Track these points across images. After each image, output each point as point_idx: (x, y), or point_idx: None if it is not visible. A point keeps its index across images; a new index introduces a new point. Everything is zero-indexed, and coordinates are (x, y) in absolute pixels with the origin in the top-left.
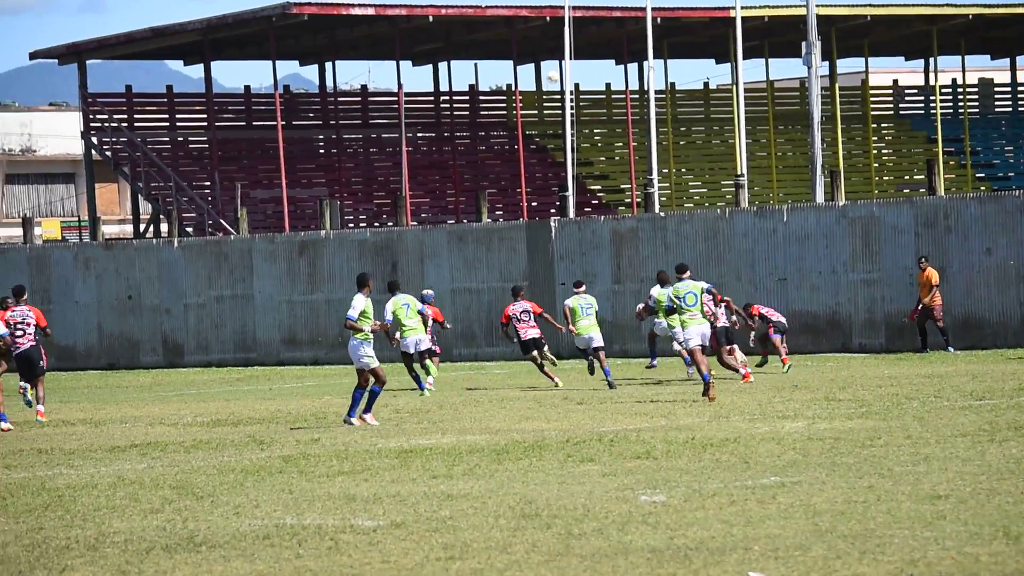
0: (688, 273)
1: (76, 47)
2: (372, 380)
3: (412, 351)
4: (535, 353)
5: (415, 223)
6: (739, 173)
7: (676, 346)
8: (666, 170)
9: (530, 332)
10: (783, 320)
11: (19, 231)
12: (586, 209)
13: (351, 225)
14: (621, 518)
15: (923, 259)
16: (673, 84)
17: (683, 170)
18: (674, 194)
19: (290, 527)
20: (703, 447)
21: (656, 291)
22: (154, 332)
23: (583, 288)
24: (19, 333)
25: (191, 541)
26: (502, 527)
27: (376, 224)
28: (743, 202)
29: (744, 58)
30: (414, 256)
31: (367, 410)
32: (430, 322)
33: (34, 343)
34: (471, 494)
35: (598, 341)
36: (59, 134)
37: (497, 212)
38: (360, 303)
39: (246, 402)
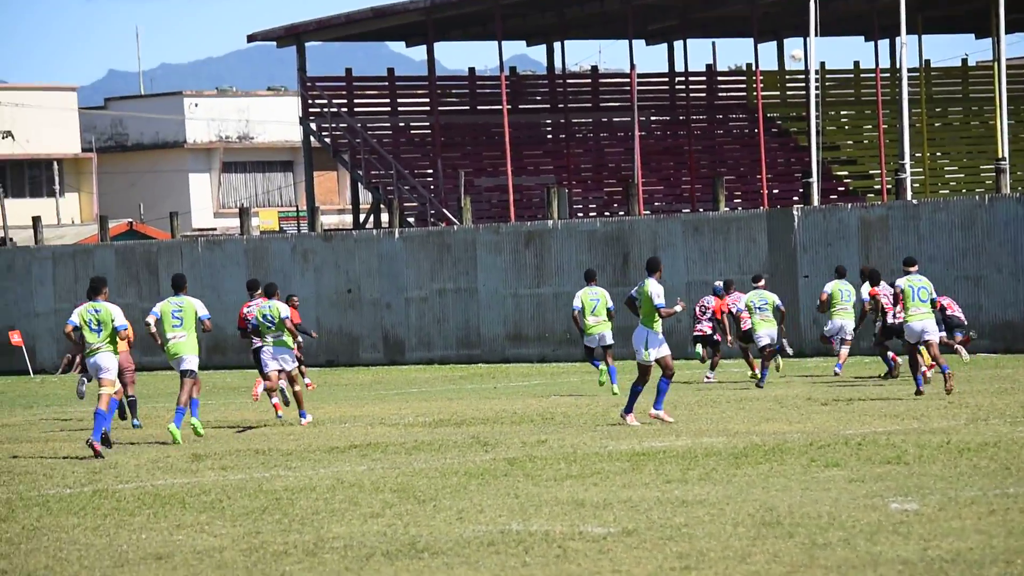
0: (916, 267)
1: (295, 29)
2: (661, 372)
3: (595, 345)
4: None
5: (648, 212)
6: (1000, 156)
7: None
8: (919, 154)
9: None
10: (959, 315)
11: (236, 222)
12: (832, 196)
13: (580, 214)
14: (869, 527)
15: None
16: (928, 61)
17: (938, 153)
18: (928, 179)
19: (516, 533)
20: (959, 452)
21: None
22: (374, 328)
23: (761, 282)
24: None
25: (413, 547)
26: (740, 536)
27: (606, 213)
28: (1004, 187)
29: (1006, 32)
30: (647, 247)
31: (656, 405)
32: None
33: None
34: (707, 500)
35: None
36: (277, 120)
37: (735, 200)
38: (660, 289)
39: (470, 401)
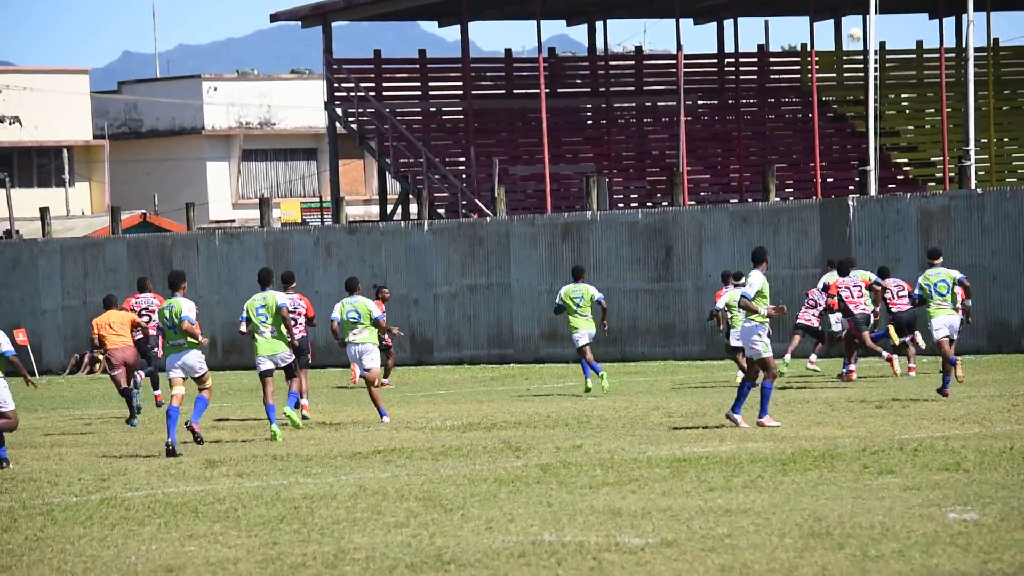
0: (940, 259)
1: (321, 8)
2: (762, 374)
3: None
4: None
5: (693, 202)
6: None
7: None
8: (985, 139)
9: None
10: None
11: (256, 213)
12: (890, 185)
13: (621, 205)
14: (926, 538)
15: None
16: (996, 40)
17: (1006, 139)
18: (994, 167)
19: (548, 544)
20: (1023, 458)
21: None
22: (401, 325)
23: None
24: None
25: (439, 559)
26: (787, 547)
27: (649, 204)
28: None
29: None
30: (691, 240)
31: (762, 412)
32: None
33: (304, 334)
34: (752, 509)
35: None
36: (301, 105)
37: (787, 190)
38: (758, 281)
39: (501, 404)
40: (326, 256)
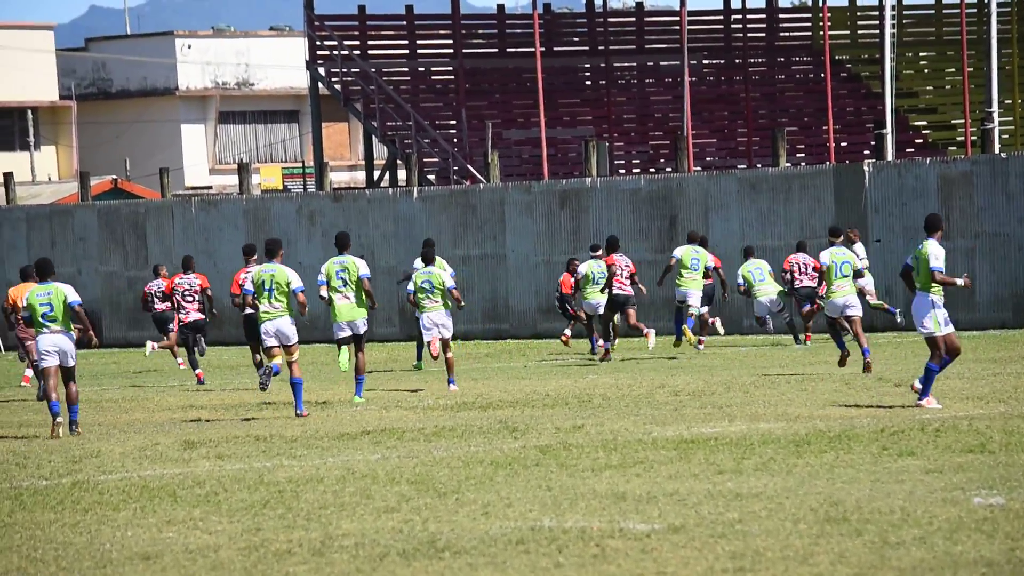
0: (841, 239)
1: None
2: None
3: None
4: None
5: (699, 168)
6: None
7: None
8: (1009, 101)
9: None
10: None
11: (234, 179)
12: (908, 150)
13: (622, 171)
14: (948, 524)
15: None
16: None
17: None
18: (1019, 130)
19: (548, 530)
20: None
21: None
22: (390, 299)
23: (599, 252)
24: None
25: (432, 546)
26: (802, 533)
27: (652, 170)
28: None
29: None
30: (697, 208)
31: (923, 394)
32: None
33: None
34: (764, 493)
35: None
36: (281, 64)
37: (798, 155)
38: (941, 252)
39: (496, 382)
40: (309, 225)
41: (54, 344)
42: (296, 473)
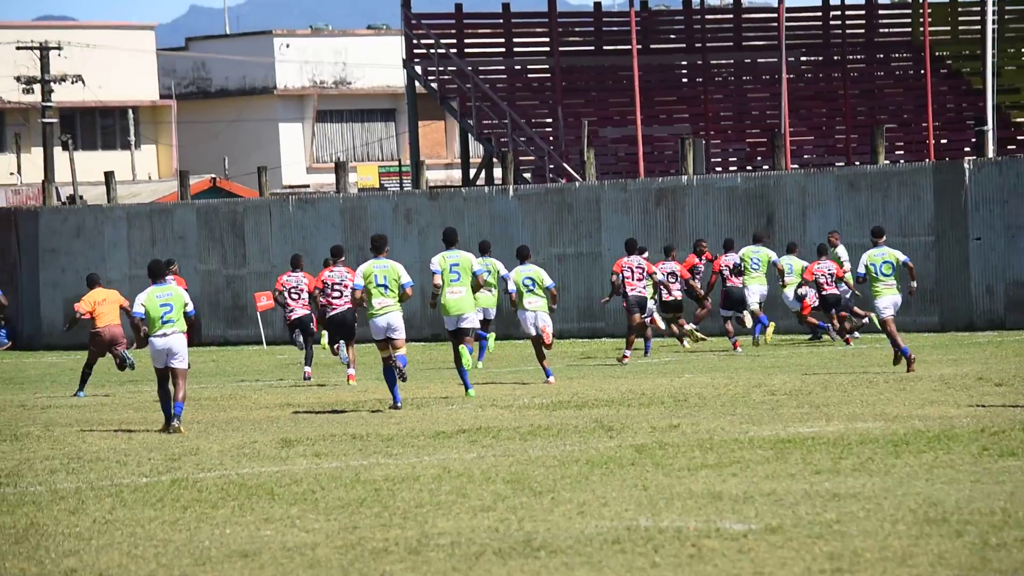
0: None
1: None
2: None
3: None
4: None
5: (796, 166)
6: None
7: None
8: None
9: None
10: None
11: (331, 177)
12: (1010, 147)
13: (719, 169)
14: None
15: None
16: None
17: None
18: None
19: (644, 530)
20: None
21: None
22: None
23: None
24: (335, 295)
25: (528, 545)
26: (900, 534)
27: (748, 168)
28: None
29: None
30: (794, 206)
31: None
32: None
33: (351, 306)
34: (862, 493)
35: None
36: (378, 63)
37: (897, 152)
38: None
39: (592, 381)
40: (406, 223)
41: (166, 345)
42: (392, 471)
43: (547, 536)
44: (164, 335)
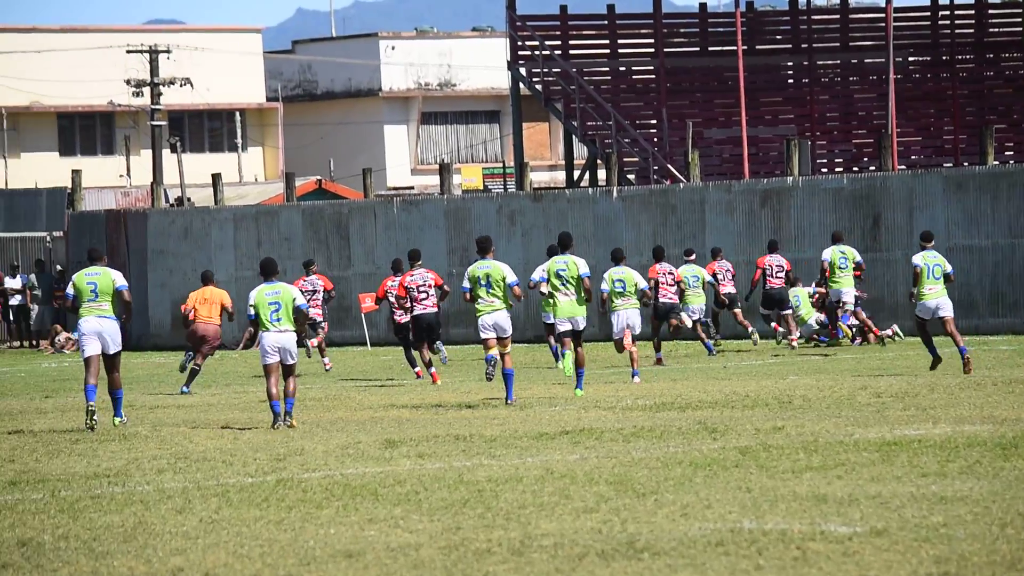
0: (932, 243)
1: None
2: None
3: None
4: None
5: (903, 167)
6: None
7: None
8: None
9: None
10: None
11: (435, 179)
12: None
13: (824, 170)
14: None
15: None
16: None
17: None
18: None
19: (748, 532)
20: None
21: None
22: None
23: (693, 256)
24: (422, 296)
25: (631, 546)
26: (1009, 538)
27: (855, 168)
28: None
29: None
30: (901, 207)
31: None
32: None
33: (436, 308)
34: (970, 497)
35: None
36: (482, 64)
37: (1007, 152)
38: None
39: (696, 382)
40: (509, 225)
41: (277, 342)
42: (495, 472)
43: (650, 538)
44: (275, 332)
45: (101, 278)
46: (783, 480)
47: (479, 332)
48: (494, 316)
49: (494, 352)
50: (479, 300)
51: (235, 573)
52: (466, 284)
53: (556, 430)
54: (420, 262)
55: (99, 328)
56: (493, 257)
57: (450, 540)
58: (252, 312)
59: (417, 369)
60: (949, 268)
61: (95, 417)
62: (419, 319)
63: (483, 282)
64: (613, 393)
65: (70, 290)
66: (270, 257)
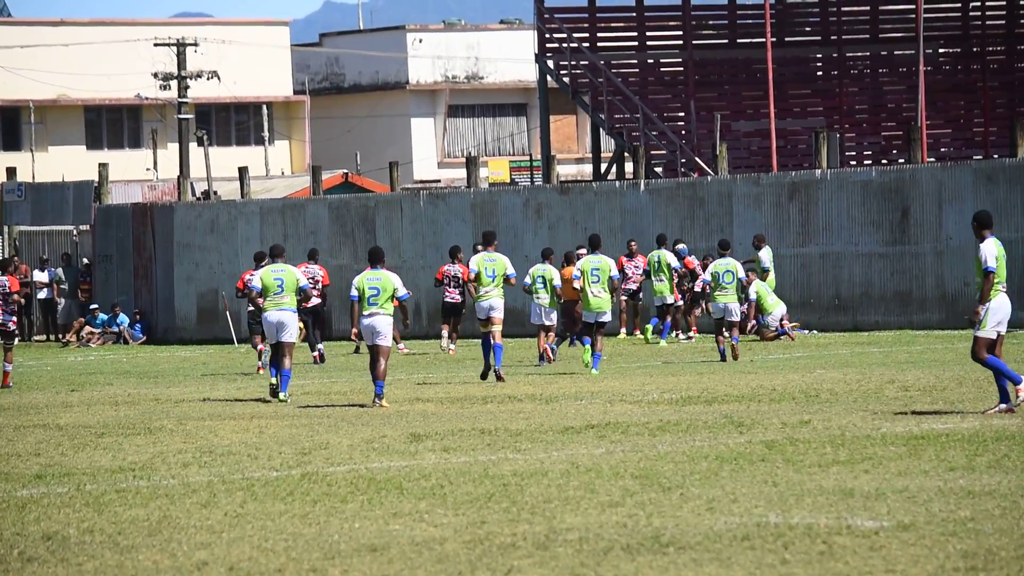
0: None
1: None
2: None
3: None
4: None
5: (932, 159)
6: None
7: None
8: None
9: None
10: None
11: (462, 172)
12: None
13: (853, 163)
14: None
15: None
16: None
17: None
18: None
19: (774, 526)
20: None
21: None
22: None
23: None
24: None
25: (656, 541)
26: None
27: (884, 161)
28: None
29: None
30: (930, 200)
31: None
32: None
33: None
34: (998, 491)
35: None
36: (510, 57)
37: None
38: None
39: (722, 376)
40: (536, 218)
41: (371, 324)
42: (520, 467)
43: (676, 532)
44: (371, 315)
45: (287, 275)
46: (809, 474)
47: (476, 313)
48: (489, 300)
49: (498, 331)
50: (481, 287)
51: (260, 567)
52: (474, 268)
53: (582, 424)
54: (461, 256)
55: (279, 319)
56: (496, 250)
57: (475, 534)
58: (355, 295)
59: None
60: (742, 274)
61: (281, 394)
62: (452, 306)
63: (487, 273)
64: (639, 387)
65: (257, 284)
66: (377, 246)
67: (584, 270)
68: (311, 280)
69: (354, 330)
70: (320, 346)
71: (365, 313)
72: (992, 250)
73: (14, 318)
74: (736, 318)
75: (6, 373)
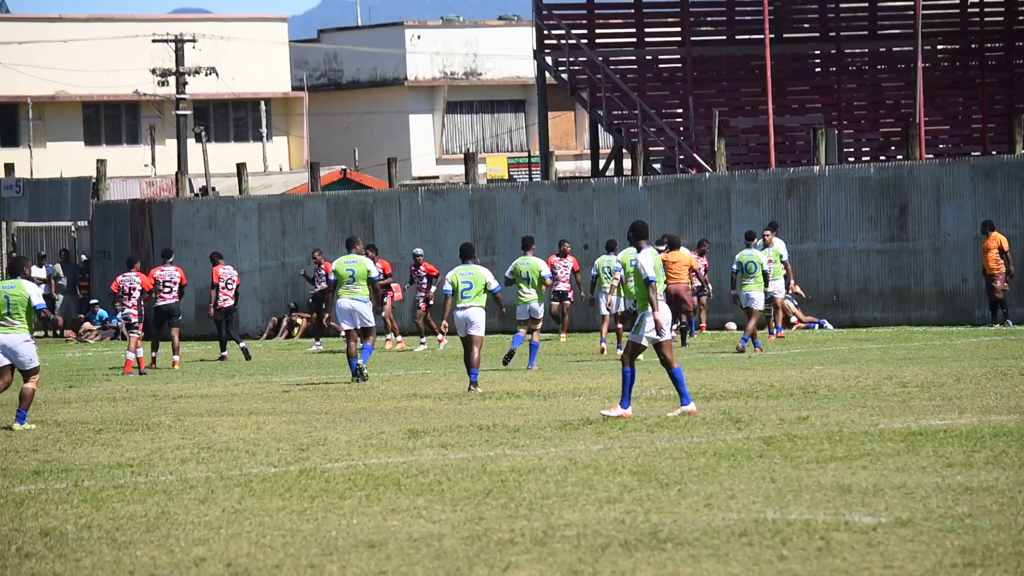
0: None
1: None
2: None
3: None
4: None
5: (931, 156)
6: None
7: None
8: None
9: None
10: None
11: (460, 169)
12: None
13: (851, 159)
14: None
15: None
16: None
17: None
18: None
19: (772, 523)
20: None
21: None
22: None
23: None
24: (165, 290)
25: (654, 537)
26: None
27: (882, 158)
28: None
29: None
30: (928, 196)
31: None
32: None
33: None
34: (996, 487)
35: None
36: (508, 53)
37: None
38: None
39: (720, 372)
40: (534, 214)
41: (465, 316)
42: (519, 463)
43: (673, 528)
44: (464, 308)
45: (358, 265)
46: (807, 470)
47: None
48: (467, 312)
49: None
50: (459, 299)
51: (257, 563)
52: (447, 288)
53: (580, 420)
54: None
55: (352, 307)
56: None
57: (473, 530)
58: (449, 289)
59: (175, 358)
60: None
61: (364, 372)
62: (160, 309)
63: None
64: (637, 384)
65: (331, 275)
66: (468, 242)
67: (623, 263)
68: (168, 283)
69: (443, 322)
70: (242, 345)
71: (459, 306)
72: (649, 260)
73: (135, 311)
74: (760, 306)
75: (139, 359)
